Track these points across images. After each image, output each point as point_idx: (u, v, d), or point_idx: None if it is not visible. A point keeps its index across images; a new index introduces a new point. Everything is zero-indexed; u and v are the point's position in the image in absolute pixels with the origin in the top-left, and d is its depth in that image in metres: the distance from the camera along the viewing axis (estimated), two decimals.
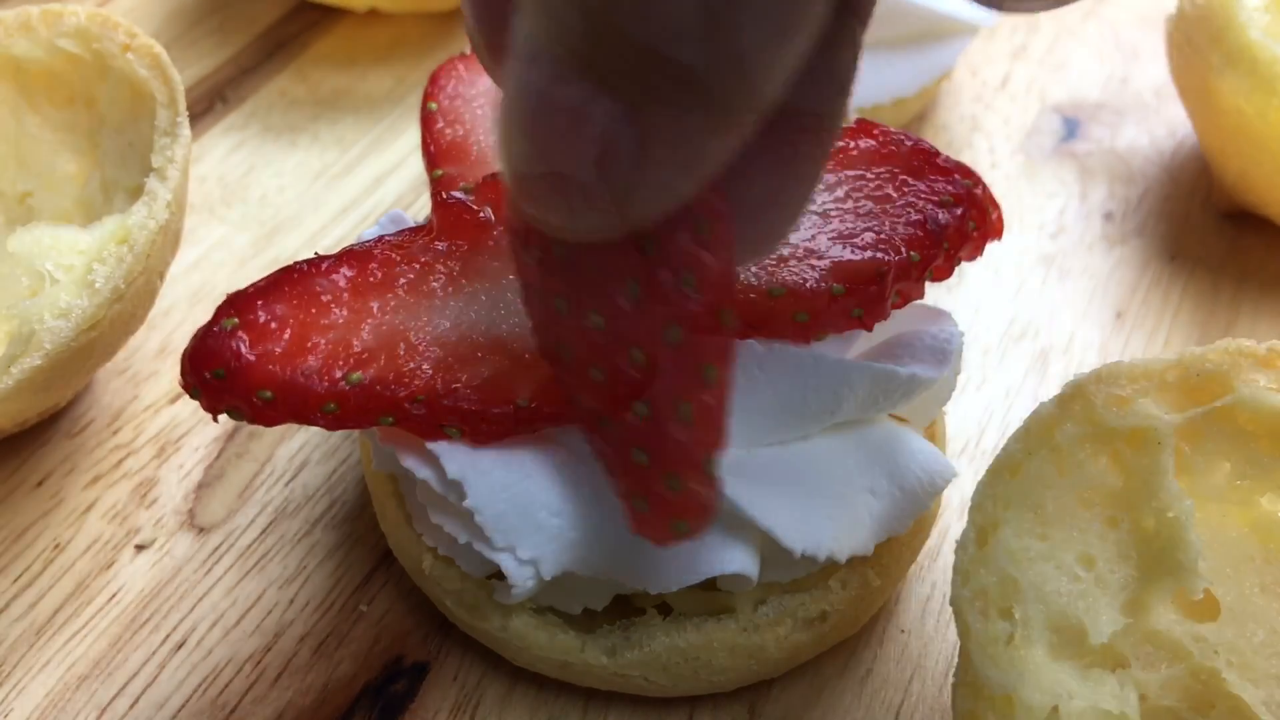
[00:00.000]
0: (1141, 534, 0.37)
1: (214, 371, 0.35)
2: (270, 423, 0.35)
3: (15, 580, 0.44)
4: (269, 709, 0.41)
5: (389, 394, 0.35)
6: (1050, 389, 0.51)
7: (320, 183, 0.60)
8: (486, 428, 0.36)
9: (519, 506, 0.36)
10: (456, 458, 0.36)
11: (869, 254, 0.39)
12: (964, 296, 0.55)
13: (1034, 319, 0.54)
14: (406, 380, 0.36)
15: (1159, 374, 0.38)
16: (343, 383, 0.35)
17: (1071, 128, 0.64)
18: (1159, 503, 0.37)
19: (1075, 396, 0.38)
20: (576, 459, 0.37)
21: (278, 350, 0.35)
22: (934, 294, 0.42)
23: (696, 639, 0.39)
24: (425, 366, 0.36)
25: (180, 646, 0.43)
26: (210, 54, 0.67)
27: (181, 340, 0.52)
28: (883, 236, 0.39)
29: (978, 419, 0.50)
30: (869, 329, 0.40)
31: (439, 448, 0.36)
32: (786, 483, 0.37)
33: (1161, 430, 0.37)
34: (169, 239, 0.45)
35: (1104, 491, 0.38)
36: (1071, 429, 0.38)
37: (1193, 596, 0.36)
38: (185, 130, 0.46)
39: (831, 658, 0.43)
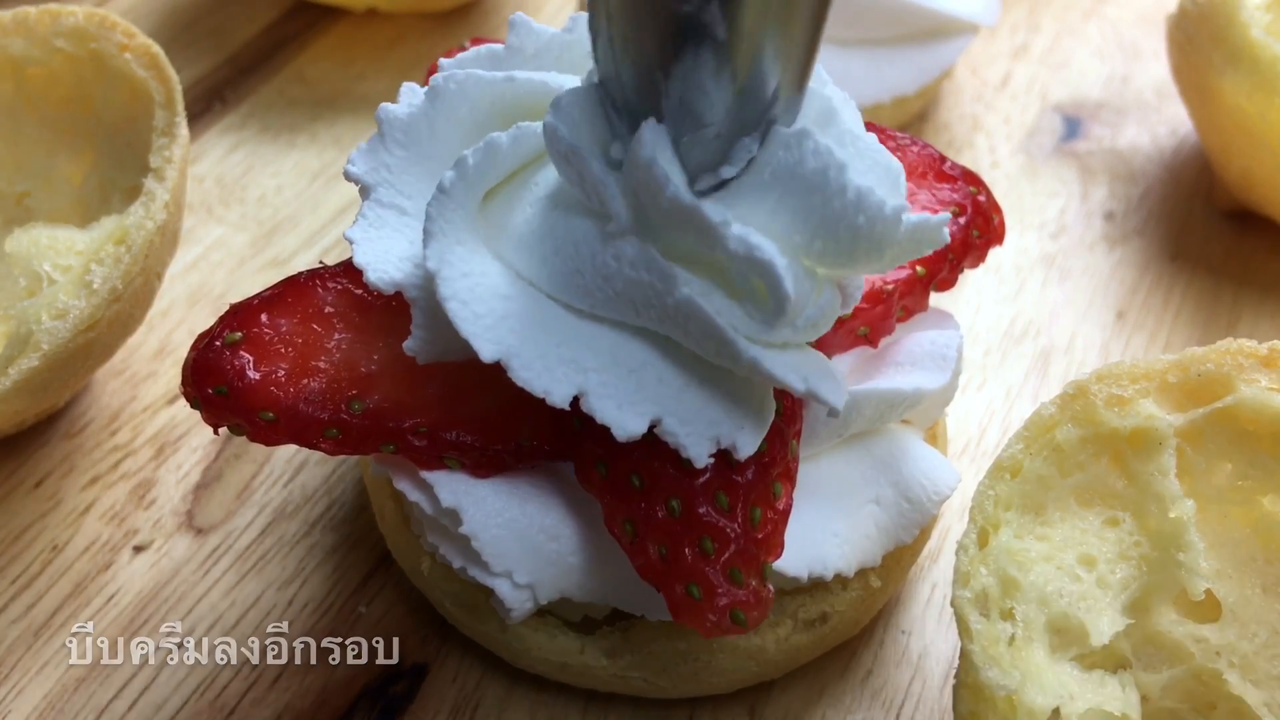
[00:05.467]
0: (1143, 534, 0.37)
1: (216, 388, 0.34)
2: (271, 442, 0.35)
3: (13, 581, 0.44)
4: (268, 710, 0.41)
5: (391, 423, 0.35)
6: (1051, 389, 0.51)
7: (319, 183, 0.60)
8: (487, 462, 0.36)
9: (516, 531, 0.36)
10: (452, 485, 0.36)
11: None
12: (965, 297, 0.55)
13: (1035, 319, 0.54)
14: (409, 409, 0.35)
15: (1160, 374, 0.38)
16: (345, 411, 0.35)
17: (1072, 127, 0.64)
18: (1160, 504, 0.37)
19: (1076, 397, 0.38)
20: (572, 486, 0.37)
21: (281, 372, 0.35)
22: (934, 294, 0.42)
23: (696, 640, 0.38)
24: (429, 392, 0.36)
25: (179, 648, 0.43)
26: (208, 54, 0.66)
27: (180, 341, 0.52)
28: None
29: (978, 419, 0.50)
30: (875, 346, 0.40)
31: (435, 477, 0.36)
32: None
33: (1163, 431, 0.37)
34: (167, 239, 0.45)
35: (1105, 492, 0.38)
36: (1073, 430, 0.38)
37: (1194, 597, 0.36)
38: (183, 130, 0.46)
39: (832, 659, 0.42)
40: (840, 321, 0.38)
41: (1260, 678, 0.36)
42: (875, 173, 0.34)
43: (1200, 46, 0.53)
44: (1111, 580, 0.37)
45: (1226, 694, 0.36)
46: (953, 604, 0.35)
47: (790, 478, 0.35)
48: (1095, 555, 0.37)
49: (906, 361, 0.40)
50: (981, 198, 0.41)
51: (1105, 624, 0.36)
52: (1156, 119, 0.64)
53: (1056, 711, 0.34)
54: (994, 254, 0.44)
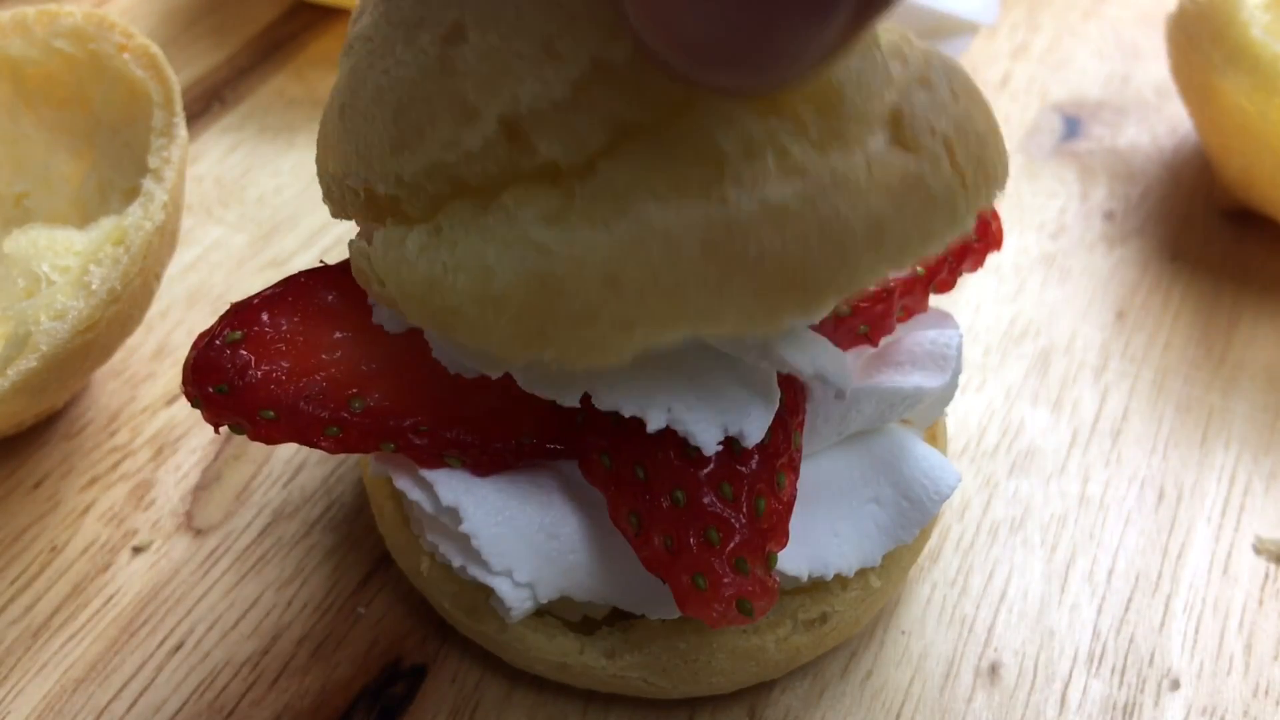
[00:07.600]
0: None
1: (217, 387, 0.34)
2: (272, 441, 0.35)
3: (12, 582, 0.44)
4: (266, 712, 0.41)
5: (392, 422, 0.35)
6: (1051, 389, 0.51)
7: (317, 183, 0.60)
8: (488, 459, 0.36)
9: (516, 529, 0.36)
10: (452, 484, 0.36)
11: None
12: (964, 296, 0.55)
13: (1035, 319, 0.54)
14: (410, 408, 0.35)
15: None
16: (345, 409, 0.35)
17: (1072, 127, 0.64)
18: None
19: None
20: (573, 485, 0.37)
21: (282, 370, 0.35)
22: (934, 295, 0.42)
23: (696, 640, 0.38)
24: (429, 390, 0.36)
25: (178, 649, 0.43)
26: (207, 54, 0.66)
27: (179, 341, 0.52)
28: None
29: (978, 419, 0.50)
30: (875, 345, 0.40)
31: (435, 475, 0.36)
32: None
33: None
34: (165, 240, 0.45)
35: None
36: None
37: None
38: (182, 131, 0.46)
39: (832, 659, 0.42)
40: (840, 320, 0.38)
41: None
42: None
43: (1200, 46, 0.53)
44: None
45: None
46: None
47: (794, 469, 0.35)
48: None
49: (906, 361, 0.40)
50: None
51: None
52: (1156, 119, 0.64)
53: None
54: (994, 254, 0.44)
